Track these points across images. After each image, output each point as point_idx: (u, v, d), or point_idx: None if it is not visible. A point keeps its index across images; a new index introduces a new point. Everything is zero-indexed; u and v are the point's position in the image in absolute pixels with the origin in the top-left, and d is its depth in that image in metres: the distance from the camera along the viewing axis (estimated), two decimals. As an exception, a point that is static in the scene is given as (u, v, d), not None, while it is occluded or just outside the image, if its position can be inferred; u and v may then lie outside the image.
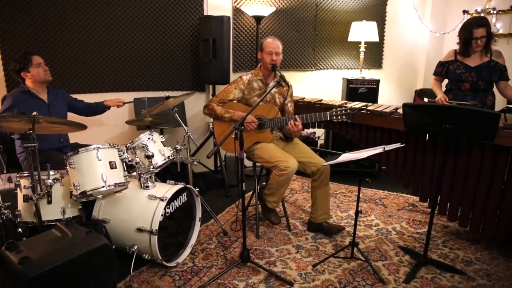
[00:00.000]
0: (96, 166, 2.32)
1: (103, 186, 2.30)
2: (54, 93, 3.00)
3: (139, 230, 2.33)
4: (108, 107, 3.27)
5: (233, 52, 4.17)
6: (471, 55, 3.01)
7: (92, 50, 3.65)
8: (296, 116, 2.70)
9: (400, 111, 2.88)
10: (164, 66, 3.98)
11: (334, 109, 2.69)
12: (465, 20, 3.42)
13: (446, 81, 3.28)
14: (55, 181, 2.35)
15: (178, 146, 2.91)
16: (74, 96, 3.20)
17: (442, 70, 3.18)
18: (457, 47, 3.11)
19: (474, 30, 2.90)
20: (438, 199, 2.73)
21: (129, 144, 2.64)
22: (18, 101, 2.72)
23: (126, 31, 3.75)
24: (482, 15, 4.11)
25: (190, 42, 4.01)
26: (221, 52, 3.70)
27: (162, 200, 2.38)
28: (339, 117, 2.68)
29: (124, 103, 3.32)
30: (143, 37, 3.82)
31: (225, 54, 3.73)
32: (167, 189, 2.48)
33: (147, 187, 2.53)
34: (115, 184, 2.35)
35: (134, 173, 2.66)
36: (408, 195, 3.67)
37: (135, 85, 3.91)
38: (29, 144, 2.09)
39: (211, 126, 3.87)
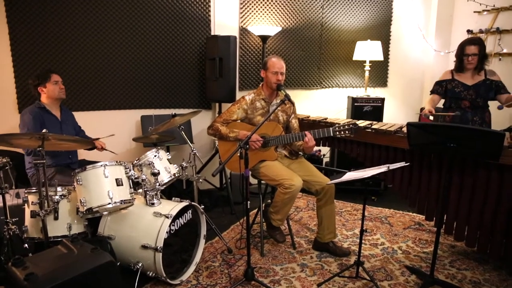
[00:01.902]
0: (103, 183, 2.35)
1: (109, 203, 2.32)
2: (66, 112, 3.13)
3: (144, 247, 2.33)
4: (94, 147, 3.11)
5: (239, 70, 4.23)
6: (464, 72, 3.12)
7: (101, 68, 3.73)
8: (306, 132, 2.69)
9: (405, 129, 2.87)
10: (171, 84, 4.05)
11: (337, 125, 2.69)
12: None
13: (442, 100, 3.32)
14: (62, 197, 2.38)
15: (184, 164, 2.92)
16: (83, 113, 3.25)
17: (439, 88, 3.25)
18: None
19: (466, 47, 3.05)
20: (444, 218, 2.70)
21: (135, 161, 2.67)
22: (37, 116, 2.84)
23: (135, 50, 3.83)
24: (484, 35, 4.16)
25: (197, 61, 4.08)
26: (228, 71, 3.75)
27: (167, 217, 2.38)
28: (342, 133, 2.66)
29: (103, 148, 3.12)
30: (152, 55, 3.90)
31: (231, 73, 3.78)
32: (173, 206, 2.48)
33: (153, 204, 2.54)
34: (121, 201, 2.37)
35: (140, 190, 2.68)
36: (414, 214, 3.64)
37: (142, 103, 3.97)
38: (38, 161, 2.14)
39: (217, 143, 3.90)
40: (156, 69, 3.95)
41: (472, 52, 3.01)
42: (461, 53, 3.08)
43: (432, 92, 3.30)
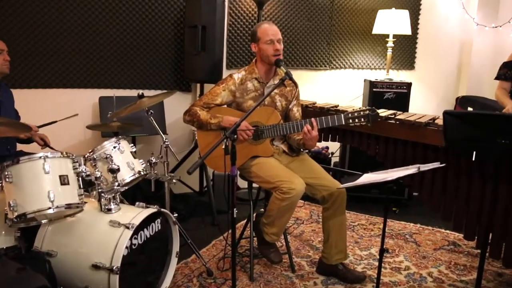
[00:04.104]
0: (42, 181, 2.23)
1: (50, 208, 2.20)
2: (6, 91, 3.05)
3: (95, 267, 2.23)
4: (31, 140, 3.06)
5: (228, 43, 4.21)
6: None
7: (50, 35, 3.66)
8: (313, 119, 2.61)
9: (439, 121, 2.83)
10: (140, 59, 4.01)
11: (350, 111, 2.65)
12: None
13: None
14: (-15, 199, 2.27)
15: (153, 159, 2.87)
16: (24, 91, 3.22)
17: (507, 72, 3.16)
18: None
19: None
20: (490, 237, 2.61)
21: (88, 154, 2.57)
22: None
23: (94, 14, 3.76)
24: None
25: (173, 29, 4.05)
26: (213, 43, 3.71)
27: (128, 227, 2.29)
28: (356, 120, 2.61)
29: (45, 144, 3.07)
30: (115, 22, 3.84)
31: (217, 46, 3.76)
32: (135, 214, 2.40)
33: (109, 210, 2.45)
34: (66, 205, 2.26)
35: (94, 192, 2.58)
36: (448, 231, 3.62)
37: (101, 81, 3.92)
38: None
39: (197, 136, 3.85)
40: (121, 39, 3.90)
41: None
42: None
43: (498, 77, 3.23)
